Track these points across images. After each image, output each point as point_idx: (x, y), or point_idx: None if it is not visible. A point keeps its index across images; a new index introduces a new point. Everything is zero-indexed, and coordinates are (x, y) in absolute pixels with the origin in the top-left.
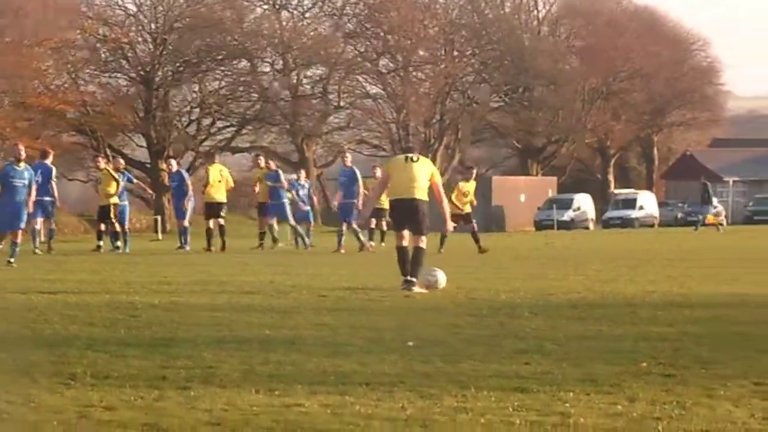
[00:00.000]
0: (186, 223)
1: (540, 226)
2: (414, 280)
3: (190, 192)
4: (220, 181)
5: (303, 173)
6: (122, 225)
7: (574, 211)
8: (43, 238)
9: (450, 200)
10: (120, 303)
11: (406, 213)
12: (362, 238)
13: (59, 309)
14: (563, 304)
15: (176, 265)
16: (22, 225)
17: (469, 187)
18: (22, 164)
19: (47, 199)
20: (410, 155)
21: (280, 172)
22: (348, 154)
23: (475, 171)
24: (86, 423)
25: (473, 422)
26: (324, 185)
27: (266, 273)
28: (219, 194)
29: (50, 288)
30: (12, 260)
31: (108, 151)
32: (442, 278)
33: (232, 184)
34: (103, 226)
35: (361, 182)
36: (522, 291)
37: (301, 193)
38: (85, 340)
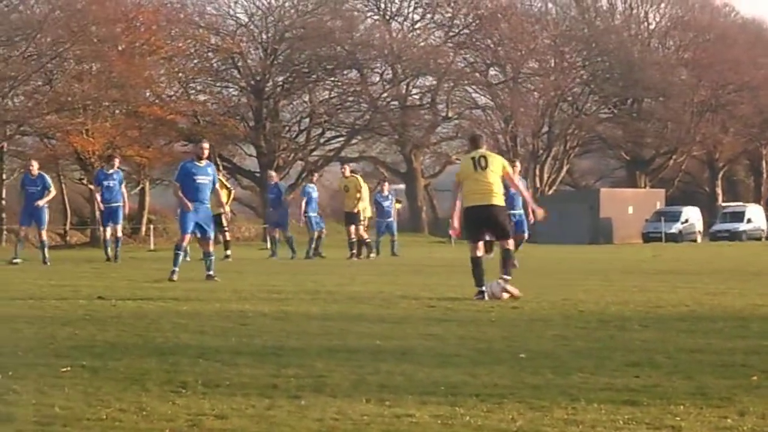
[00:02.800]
0: (288, 233)
1: (648, 238)
2: (508, 277)
3: (286, 204)
4: None
5: (386, 185)
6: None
7: (682, 223)
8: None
9: None
10: (230, 311)
11: (485, 221)
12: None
13: (170, 317)
14: (672, 316)
15: (285, 273)
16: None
17: None
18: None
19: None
20: (479, 160)
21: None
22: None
23: None
24: (197, 431)
25: None
26: (432, 195)
27: (375, 283)
28: None
29: (160, 296)
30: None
31: (218, 161)
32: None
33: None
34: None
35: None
36: (631, 303)
37: (384, 204)
38: (196, 348)
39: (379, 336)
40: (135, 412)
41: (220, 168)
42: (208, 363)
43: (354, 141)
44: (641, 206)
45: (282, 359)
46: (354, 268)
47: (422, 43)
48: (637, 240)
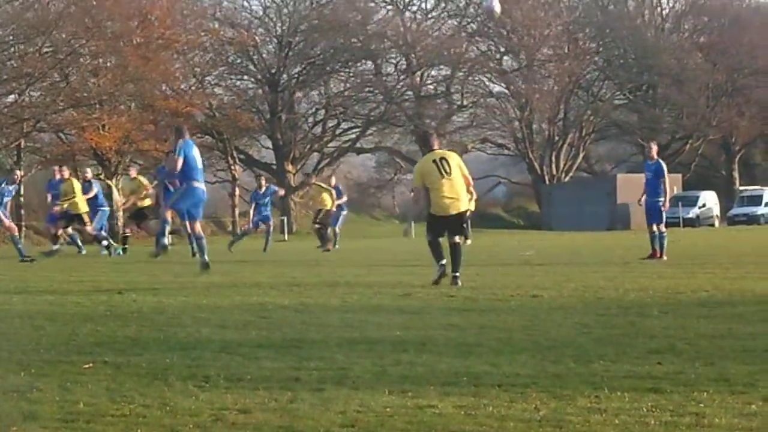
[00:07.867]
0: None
1: (665, 223)
2: (458, 274)
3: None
4: None
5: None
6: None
7: (700, 208)
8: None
9: None
10: (250, 304)
11: (452, 225)
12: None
13: (191, 311)
14: (692, 302)
15: (304, 266)
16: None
17: None
18: None
19: None
20: (441, 163)
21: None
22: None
23: None
24: (221, 426)
25: (607, 423)
26: None
27: (394, 274)
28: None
29: (181, 291)
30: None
31: (234, 153)
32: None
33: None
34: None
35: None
36: (650, 290)
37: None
38: (217, 342)
39: (399, 327)
40: (159, 407)
41: (236, 160)
42: (230, 357)
43: (370, 132)
44: None
45: (303, 352)
46: (372, 258)
47: (436, 33)
48: None
